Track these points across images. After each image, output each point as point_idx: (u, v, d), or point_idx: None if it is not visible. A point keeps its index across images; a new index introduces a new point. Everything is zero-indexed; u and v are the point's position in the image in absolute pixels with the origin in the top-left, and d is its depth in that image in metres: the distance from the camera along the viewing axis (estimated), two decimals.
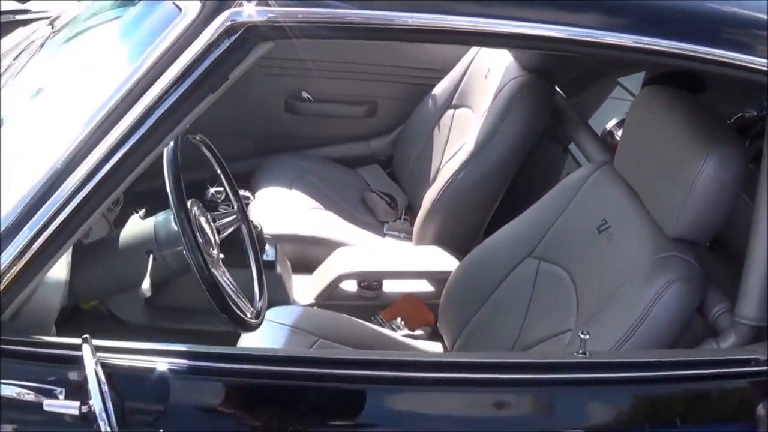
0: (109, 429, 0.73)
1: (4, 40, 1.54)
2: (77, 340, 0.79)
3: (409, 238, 1.76)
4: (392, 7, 0.79)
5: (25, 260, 0.80)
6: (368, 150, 1.97)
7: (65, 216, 0.79)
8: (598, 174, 1.26)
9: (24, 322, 0.85)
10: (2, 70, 1.24)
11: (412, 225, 1.77)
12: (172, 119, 0.77)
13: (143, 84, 0.77)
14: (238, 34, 0.78)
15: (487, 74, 1.74)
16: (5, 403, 0.78)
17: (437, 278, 1.51)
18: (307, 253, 1.56)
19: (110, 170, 0.78)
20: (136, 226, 1.18)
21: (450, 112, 1.81)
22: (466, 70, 1.80)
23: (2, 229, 0.79)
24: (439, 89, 1.85)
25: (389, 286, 1.55)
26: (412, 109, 1.91)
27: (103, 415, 0.72)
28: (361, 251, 1.62)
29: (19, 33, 1.56)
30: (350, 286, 1.52)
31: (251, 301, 1.11)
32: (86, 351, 0.76)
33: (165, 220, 1.11)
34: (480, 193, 1.57)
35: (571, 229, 1.25)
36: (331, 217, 1.71)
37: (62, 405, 0.77)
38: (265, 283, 1.17)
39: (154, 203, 1.21)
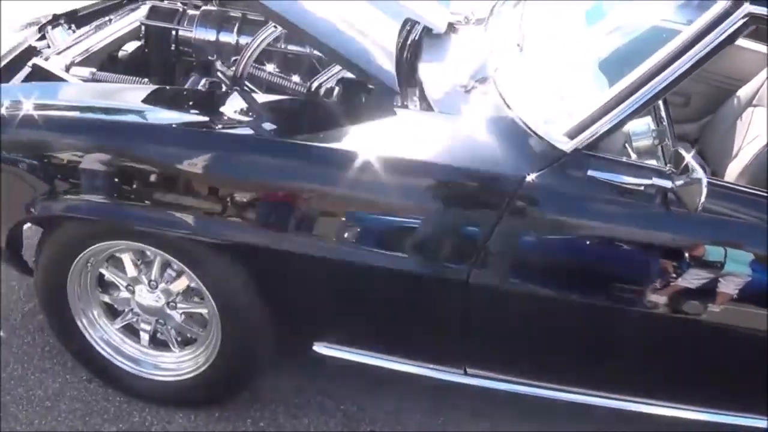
0: None
1: None
2: None
3: None
4: None
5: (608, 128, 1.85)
6: (681, 131, 3.02)
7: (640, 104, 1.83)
8: None
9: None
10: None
11: None
12: (699, 62, 1.78)
13: (691, 41, 1.79)
14: (745, 20, 1.80)
15: None
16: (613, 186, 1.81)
17: None
18: None
19: (666, 84, 1.81)
20: None
21: (750, 109, 2.85)
22: (765, 81, 2.86)
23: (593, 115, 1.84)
24: (743, 92, 2.90)
25: None
26: (717, 105, 2.98)
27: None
28: None
29: None
30: None
31: None
32: None
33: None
34: None
35: None
36: None
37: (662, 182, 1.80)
38: None
39: None
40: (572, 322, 2.01)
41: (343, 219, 1.95)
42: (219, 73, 2.16)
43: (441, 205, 1.91)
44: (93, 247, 2.14)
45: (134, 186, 1.98)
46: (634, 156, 1.97)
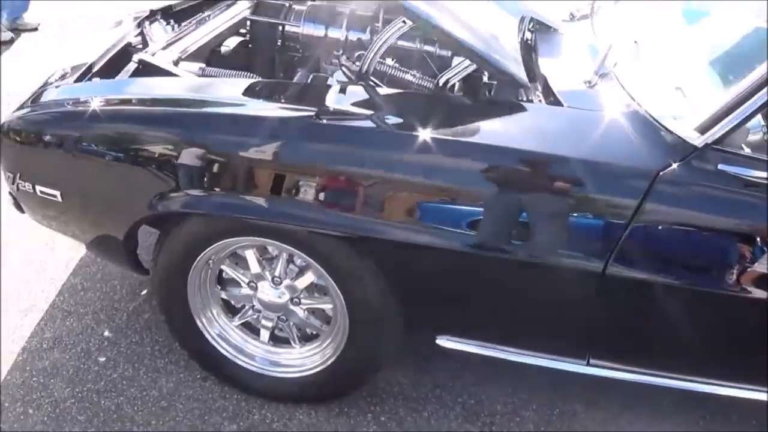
0: None
1: None
2: None
3: None
4: None
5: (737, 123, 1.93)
6: None
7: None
8: None
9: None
10: None
11: None
12: None
13: None
14: None
15: None
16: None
17: None
18: None
19: None
20: None
21: None
22: None
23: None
24: None
25: None
26: None
27: None
28: None
29: None
30: None
31: None
32: None
33: None
34: None
35: None
36: None
37: None
38: None
39: None
40: (703, 313, 2.08)
41: (471, 211, 1.99)
42: (344, 68, 2.20)
43: (576, 197, 1.96)
44: (216, 244, 2.18)
45: (258, 181, 2.01)
46: (747, 150, 2.08)
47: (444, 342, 2.25)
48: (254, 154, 2.02)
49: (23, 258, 2.89)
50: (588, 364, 2.24)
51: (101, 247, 2.44)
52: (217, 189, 2.05)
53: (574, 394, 2.42)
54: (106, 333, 2.56)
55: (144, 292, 2.71)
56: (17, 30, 5.23)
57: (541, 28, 2.42)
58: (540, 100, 2.15)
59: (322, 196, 2.00)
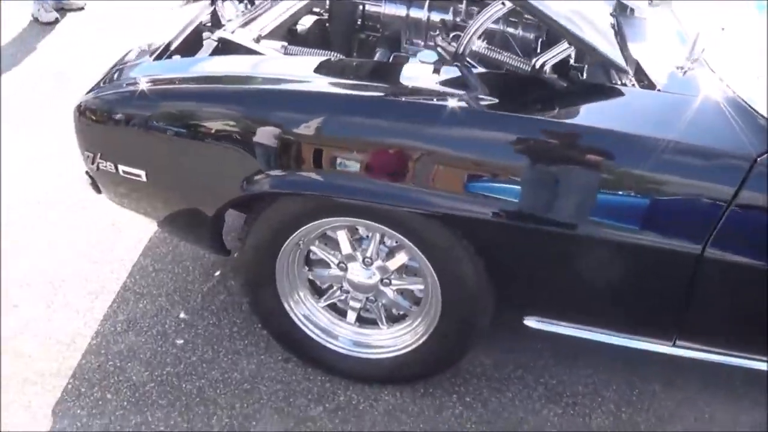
0: None
1: None
2: None
3: None
4: None
5: None
6: None
7: None
8: None
9: None
10: None
11: None
12: None
13: None
14: None
15: None
16: None
17: None
18: None
19: None
20: None
21: None
22: None
23: None
24: None
25: None
26: None
27: None
28: None
29: None
30: None
31: None
32: None
33: None
34: None
35: None
36: None
37: None
38: None
39: None
40: None
41: (567, 192, 2.02)
42: (440, 49, 2.22)
43: (675, 181, 1.99)
44: (308, 225, 2.20)
45: (354, 160, 2.02)
46: None
47: (532, 323, 2.29)
48: (351, 133, 2.04)
49: (89, 239, 2.90)
50: (674, 345, 2.33)
51: (177, 225, 2.44)
52: (310, 168, 2.06)
53: (652, 374, 2.49)
54: (182, 315, 2.58)
55: (218, 273, 2.72)
56: (63, 9, 5.19)
57: (622, 12, 2.47)
58: (633, 84, 2.21)
59: (416, 175, 2.01)
